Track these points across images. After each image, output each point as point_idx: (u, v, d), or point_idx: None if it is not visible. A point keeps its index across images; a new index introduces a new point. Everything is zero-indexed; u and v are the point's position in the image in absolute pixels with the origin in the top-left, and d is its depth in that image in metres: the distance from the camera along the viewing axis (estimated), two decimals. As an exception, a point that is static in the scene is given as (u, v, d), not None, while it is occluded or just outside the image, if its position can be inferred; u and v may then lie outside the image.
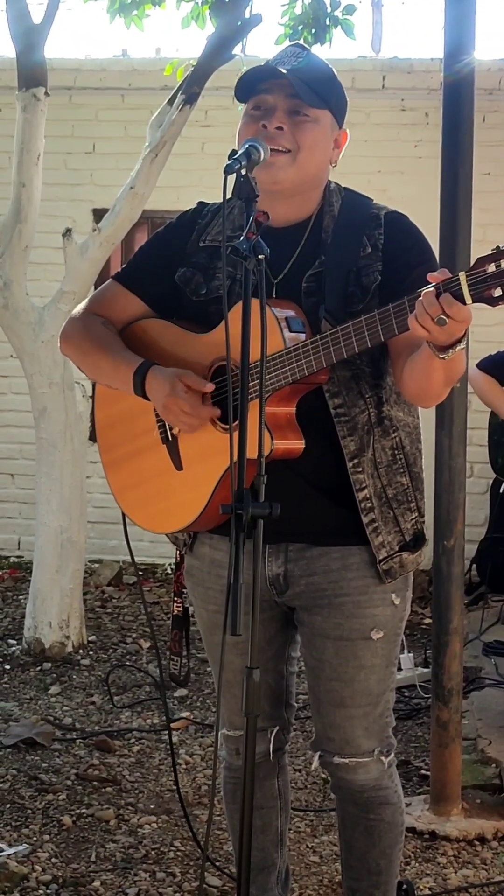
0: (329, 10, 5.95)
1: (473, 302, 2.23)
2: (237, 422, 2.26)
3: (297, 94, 2.50)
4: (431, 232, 3.86)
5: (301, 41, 6.02)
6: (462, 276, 2.22)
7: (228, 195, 2.36)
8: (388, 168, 7.20)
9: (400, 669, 5.24)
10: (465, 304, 2.22)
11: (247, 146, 2.39)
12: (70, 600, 5.62)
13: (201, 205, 2.77)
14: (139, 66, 7.44)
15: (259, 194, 2.34)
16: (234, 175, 2.36)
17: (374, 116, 7.31)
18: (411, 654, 5.35)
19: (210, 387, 2.52)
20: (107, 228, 5.41)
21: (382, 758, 2.74)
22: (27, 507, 7.09)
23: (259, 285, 2.26)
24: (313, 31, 5.96)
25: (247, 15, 5.44)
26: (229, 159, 2.36)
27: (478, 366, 6.07)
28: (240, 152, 2.38)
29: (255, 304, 2.26)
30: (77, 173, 7.48)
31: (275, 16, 8.86)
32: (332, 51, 6.24)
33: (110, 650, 5.74)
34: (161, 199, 6.11)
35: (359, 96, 7.24)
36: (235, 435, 2.25)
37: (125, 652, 5.72)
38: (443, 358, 2.32)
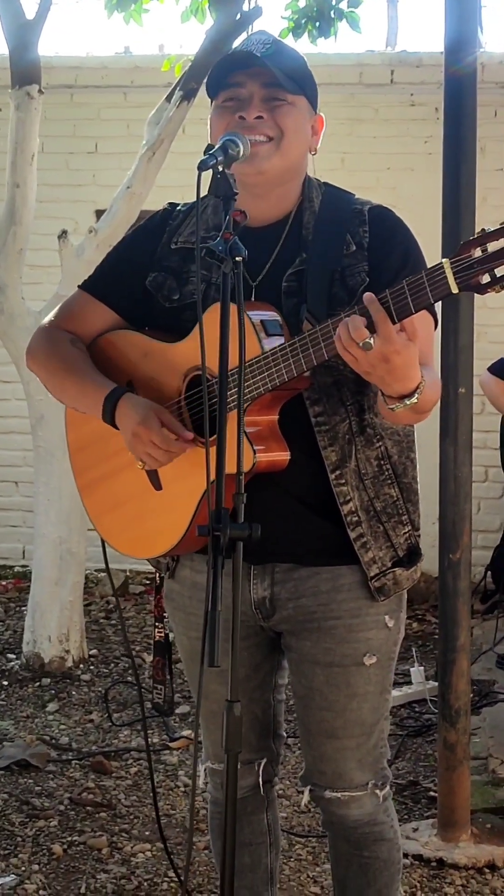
0: (334, 2, 5.80)
1: (460, 291, 2.06)
2: (214, 436, 2.10)
3: (277, 82, 2.35)
4: (440, 230, 3.72)
5: (305, 35, 5.91)
6: (446, 262, 2.06)
7: (203, 193, 2.20)
8: (397, 165, 7.02)
9: (410, 683, 5.08)
10: (451, 293, 2.06)
11: (224, 140, 2.24)
12: (70, 613, 5.46)
13: (171, 205, 2.62)
14: (141, 63, 7.27)
15: (238, 192, 2.18)
16: (210, 172, 2.20)
17: (382, 112, 7.13)
18: (422, 668, 5.18)
19: (189, 435, 2.35)
20: (104, 230, 5.26)
21: (377, 791, 2.57)
22: (32, 516, 6.94)
23: (237, 289, 2.10)
24: (317, 24, 5.81)
25: (247, 8, 5.27)
26: (205, 154, 2.20)
27: (489, 370, 5.89)
28: (216, 147, 2.22)
29: (231, 308, 2.10)
30: (79, 173, 7.33)
31: (278, 9, 8.71)
32: (339, 45, 6.10)
33: (112, 664, 5.57)
34: (164, 199, 5.91)
35: (367, 91, 7.12)
36: (213, 450, 2.08)
37: (127, 666, 5.55)
38: (392, 409, 2.22)
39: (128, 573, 6.93)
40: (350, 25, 5.86)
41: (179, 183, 5.67)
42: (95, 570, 6.86)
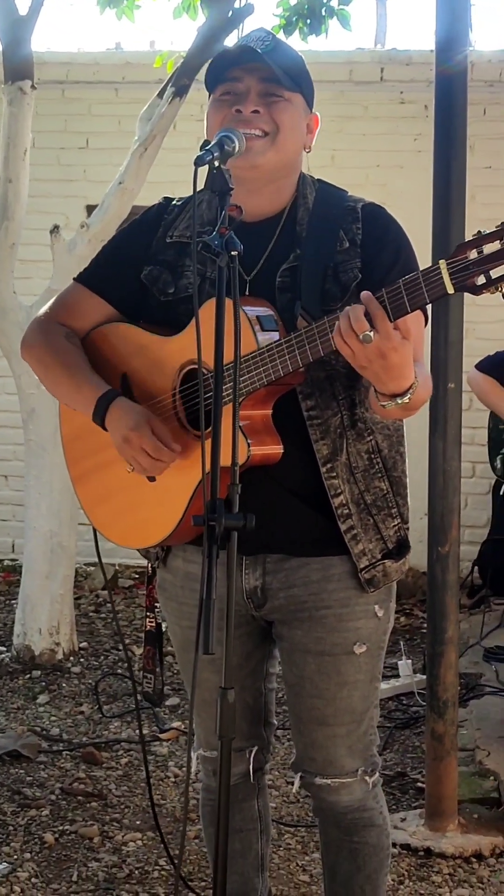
0: (325, 0, 5.82)
1: (456, 291, 2.10)
2: (209, 429, 2.14)
3: (275, 77, 2.38)
4: (431, 227, 3.76)
5: (296, 32, 5.93)
6: (442, 263, 2.09)
7: (199, 188, 2.24)
8: (386, 162, 7.05)
9: (398, 676, 5.12)
10: (447, 294, 2.10)
11: (220, 136, 2.27)
12: (60, 606, 5.49)
13: (166, 199, 2.64)
14: (133, 59, 7.29)
15: (233, 187, 2.21)
16: (206, 167, 2.23)
17: (372, 109, 7.17)
18: (410, 661, 5.22)
19: (178, 448, 2.39)
20: (95, 225, 5.29)
21: (367, 777, 2.61)
22: (21, 510, 6.95)
23: (232, 283, 2.13)
24: (308, 21, 5.83)
25: (238, 5, 5.29)
26: (201, 150, 2.23)
27: (476, 367, 5.94)
28: (212, 143, 2.25)
29: (225, 303, 2.14)
30: (70, 169, 7.35)
31: (269, 6, 8.75)
32: (329, 42, 6.13)
33: (102, 657, 5.60)
34: (155, 194, 5.90)
35: (357, 89, 7.15)
36: (208, 442, 2.12)
37: (117, 659, 5.58)
38: (384, 406, 2.24)
39: (117, 567, 6.96)
40: (341, 23, 5.88)
41: (170, 179, 5.73)
42: (84, 564, 6.89)
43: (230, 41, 5.46)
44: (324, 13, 5.83)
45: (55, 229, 5.31)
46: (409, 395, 2.23)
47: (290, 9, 5.85)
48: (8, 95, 5.26)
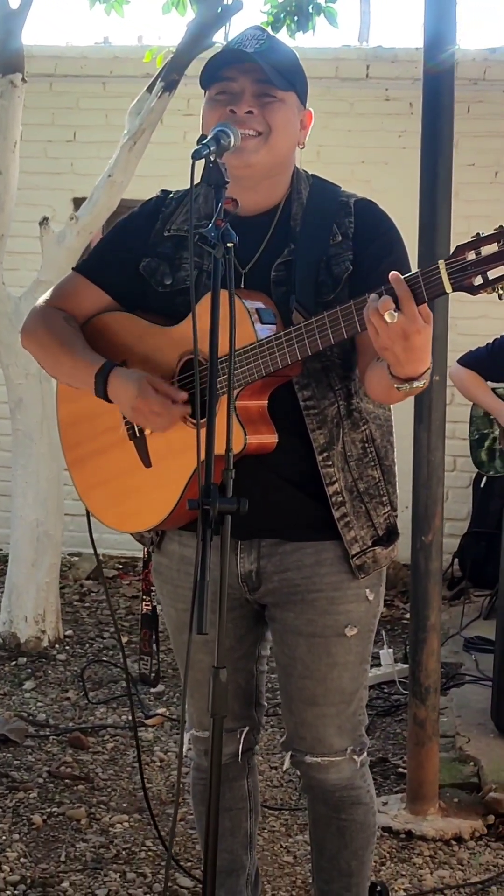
0: (312, -3, 5.88)
1: (454, 291, 2.17)
2: (205, 418, 2.20)
3: (268, 79, 2.43)
4: (415, 223, 3.82)
5: (283, 29, 5.99)
6: (441, 264, 2.16)
7: (196, 182, 2.30)
8: (371, 158, 7.12)
9: (379, 665, 5.19)
10: (445, 293, 2.16)
11: (216, 131, 2.32)
12: (46, 594, 5.55)
13: (164, 192, 2.69)
14: (120, 53, 7.34)
15: (229, 180, 2.27)
16: (203, 161, 2.29)
17: (357, 106, 7.23)
18: (391, 650, 5.30)
19: (183, 396, 2.44)
20: (84, 217, 5.34)
21: (355, 756, 2.69)
22: (6, 500, 7.00)
23: (227, 274, 2.19)
24: (296, 18, 5.88)
25: (227, 1, 5.34)
26: (198, 144, 2.29)
27: (458, 361, 6.02)
28: (209, 137, 2.31)
29: (224, 294, 2.20)
30: (57, 162, 7.39)
31: (256, 2, 8.78)
32: (316, 39, 6.18)
33: (87, 645, 5.67)
34: (142, 188, 5.97)
35: (342, 86, 7.21)
36: (203, 431, 2.18)
37: (102, 647, 5.65)
38: (398, 389, 2.28)
39: (101, 557, 7.00)
40: (328, 20, 5.93)
41: (157, 172, 5.80)
42: (69, 555, 6.94)
43: (219, 37, 5.53)
44: (311, 10, 5.88)
45: (45, 221, 5.37)
46: (423, 379, 2.27)
47: (277, 6, 5.89)
48: (-2, 88, 5.31)
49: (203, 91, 2.56)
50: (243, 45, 2.46)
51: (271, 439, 2.46)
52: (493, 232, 2.13)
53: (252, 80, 2.45)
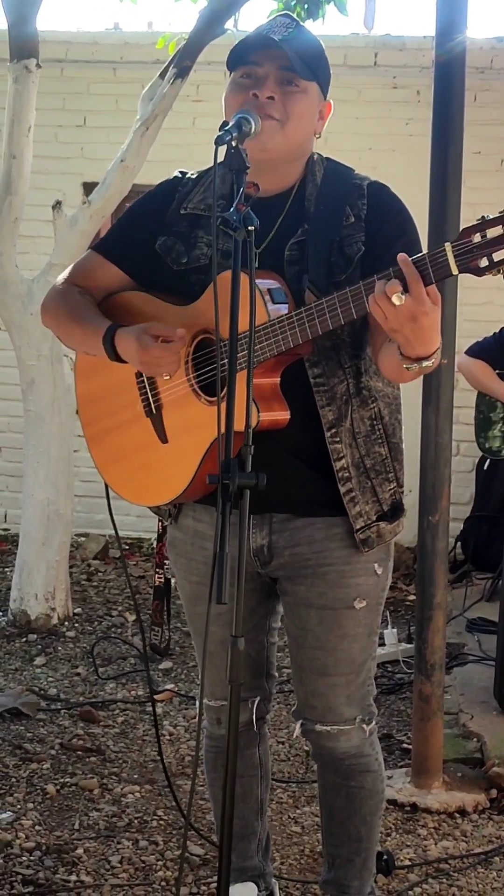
0: (322, -15, 5.93)
1: (460, 272, 2.25)
2: (224, 393, 2.27)
3: (292, 67, 2.50)
4: (421, 210, 3.88)
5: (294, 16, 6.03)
6: (447, 246, 2.23)
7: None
8: (379, 145, 7.19)
9: (383, 644, 5.28)
10: (451, 274, 2.24)
11: (238, 118, 2.39)
12: (56, 573, 5.63)
13: (182, 173, 2.76)
14: (131, 39, 7.41)
15: (249, 166, 2.34)
16: (225, 146, 2.36)
17: (365, 94, 7.29)
18: (395, 630, 5.38)
19: (181, 332, 2.48)
20: (97, 201, 5.41)
21: (364, 725, 2.78)
22: (14, 481, 7.09)
23: (248, 257, 2.26)
24: (306, 6, 5.94)
25: (239, -11, 5.41)
26: (220, 130, 2.36)
27: (466, 352, 6.09)
28: (231, 124, 2.38)
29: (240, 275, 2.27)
30: (68, 146, 7.46)
31: (268, -9, 8.82)
32: (325, 27, 6.22)
33: (95, 623, 5.76)
34: (152, 173, 6.05)
35: (350, 73, 7.26)
36: (223, 406, 2.25)
37: (110, 624, 5.74)
38: (408, 369, 2.35)
39: (108, 538, 7.10)
40: (337, 8, 5.98)
41: (167, 157, 5.88)
42: (77, 535, 7.03)
43: (228, 24, 5.59)
44: (321, -2, 5.94)
45: (57, 205, 5.44)
46: (433, 359, 2.35)
47: (288, -6, 5.95)
48: (13, 73, 5.37)
49: (217, 79, 2.61)
50: (272, 31, 2.53)
51: (283, 416, 2.53)
52: (498, 215, 2.20)
53: (277, 66, 2.52)
